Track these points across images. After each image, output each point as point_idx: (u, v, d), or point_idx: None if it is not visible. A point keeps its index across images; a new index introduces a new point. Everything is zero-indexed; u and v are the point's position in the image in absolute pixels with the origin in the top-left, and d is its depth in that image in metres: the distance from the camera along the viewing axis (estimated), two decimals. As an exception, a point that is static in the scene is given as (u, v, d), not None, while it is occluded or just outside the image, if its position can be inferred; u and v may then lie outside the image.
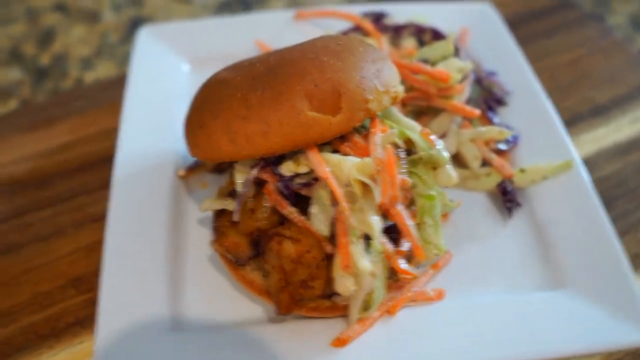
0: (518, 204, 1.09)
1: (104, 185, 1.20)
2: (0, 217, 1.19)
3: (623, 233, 1.10)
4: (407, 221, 0.86)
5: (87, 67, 1.55)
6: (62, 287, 1.08)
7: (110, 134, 1.30)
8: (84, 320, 1.03)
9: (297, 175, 0.89)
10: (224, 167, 1.14)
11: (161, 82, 1.32)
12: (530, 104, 1.22)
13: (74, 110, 1.39)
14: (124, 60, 1.56)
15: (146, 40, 1.38)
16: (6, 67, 1.55)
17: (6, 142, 1.33)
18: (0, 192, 1.23)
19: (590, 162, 1.21)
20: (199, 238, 1.08)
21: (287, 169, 0.88)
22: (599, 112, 1.34)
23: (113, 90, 1.42)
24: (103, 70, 1.55)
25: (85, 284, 1.08)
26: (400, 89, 0.94)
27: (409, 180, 0.87)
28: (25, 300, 1.06)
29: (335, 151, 0.90)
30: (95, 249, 1.11)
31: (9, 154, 1.31)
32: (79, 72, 1.54)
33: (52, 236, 1.15)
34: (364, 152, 0.88)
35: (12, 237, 1.16)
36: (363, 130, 0.92)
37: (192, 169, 1.15)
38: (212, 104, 0.89)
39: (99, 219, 1.15)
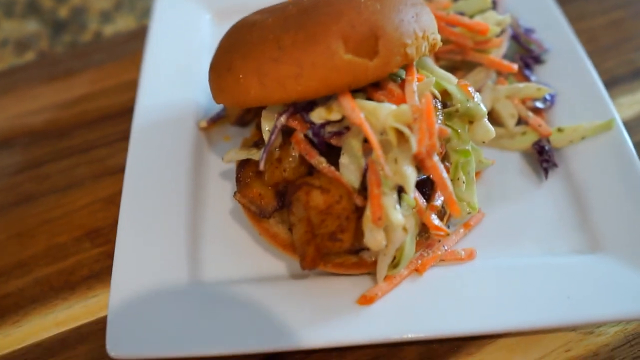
0: (555, 165, 1.05)
1: (123, 137, 1.18)
2: (17, 167, 1.18)
3: (664, 198, 1.05)
4: (443, 173, 0.82)
5: (106, 20, 1.52)
6: (77, 239, 1.07)
7: (130, 86, 1.28)
8: (99, 273, 1.02)
9: (328, 123, 0.85)
10: (248, 120, 1.11)
11: (183, 33, 1.29)
12: (568, 63, 1.18)
13: (93, 63, 1.37)
14: (144, 14, 1.53)
15: (168, -10, 1.34)
16: (23, 19, 1.53)
17: (23, 92, 1.32)
18: (17, 143, 1.22)
19: (630, 125, 1.16)
20: (221, 191, 1.06)
21: (318, 115, 0.84)
22: (639, 75, 1.29)
23: (132, 43, 1.40)
24: (122, 23, 1.52)
25: (102, 237, 1.07)
26: (438, 37, 0.90)
27: (448, 130, 0.83)
28: (40, 252, 1.05)
29: (369, 99, 0.85)
30: (112, 201, 1.10)
31: (26, 104, 1.29)
32: (98, 26, 1.51)
33: (69, 188, 1.14)
34: (399, 101, 0.84)
35: (28, 187, 1.15)
36: (398, 79, 0.88)
37: (215, 121, 1.13)
38: (242, 45, 0.86)
39: (118, 172, 1.13)
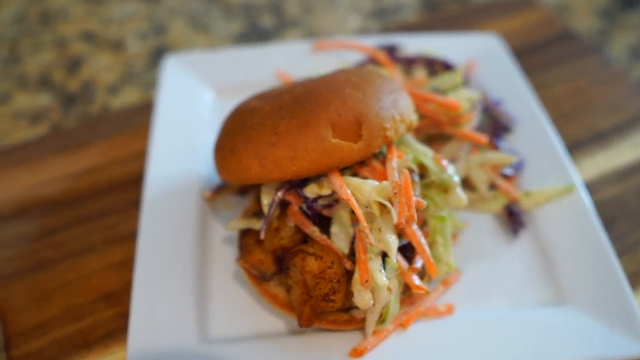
0: (523, 225, 1.16)
1: (132, 205, 1.27)
2: (34, 235, 1.25)
3: (622, 253, 1.16)
4: (421, 239, 0.93)
5: (113, 93, 1.63)
6: (93, 301, 1.13)
7: (136, 157, 1.37)
8: (114, 332, 1.08)
9: (320, 197, 0.96)
10: (247, 190, 1.21)
11: (187, 108, 1.39)
12: (534, 131, 1.29)
13: (102, 135, 1.46)
14: (148, 87, 1.64)
15: (173, 69, 1.45)
16: (36, 93, 1.63)
17: (38, 164, 1.39)
18: (33, 212, 1.29)
19: (591, 186, 1.28)
20: (224, 256, 1.15)
21: (311, 191, 0.96)
22: (600, 139, 1.41)
23: (139, 116, 1.49)
24: (128, 96, 1.62)
25: (115, 298, 1.13)
26: (414, 118, 1.02)
27: (424, 202, 0.94)
28: (58, 314, 1.11)
29: (355, 175, 0.97)
30: (124, 265, 1.17)
31: (40, 175, 1.37)
32: (105, 98, 1.62)
33: (84, 253, 1.21)
34: (381, 176, 0.95)
35: (45, 253, 1.21)
36: (381, 156, 1.00)
37: (217, 191, 1.21)
38: (243, 130, 0.97)
39: (128, 238, 1.21)
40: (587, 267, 1.08)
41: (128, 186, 1.33)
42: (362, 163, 0.98)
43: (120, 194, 1.33)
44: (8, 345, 1.07)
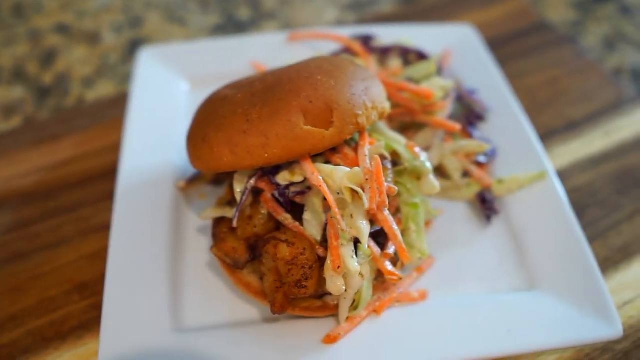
0: (496, 212, 1.17)
1: (106, 197, 1.27)
2: (8, 227, 1.24)
3: (593, 239, 1.18)
4: (393, 225, 0.93)
5: (88, 86, 1.62)
6: (66, 292, 1.13)
7: (111, 149, 1.37)
8: (87, 323, 1.08)
9: (292, 184, 0.96)
10: (221, 180, 1.21)
11: (161, 100, 1.39)
12: (507, 120, 1.31)
13: (77, 127, 1.46)
14: (124, 80, 1.63)
15: (147, 60, 1.45)
16: (9, 86, 1.62)
17: (12, 157, 1.39)
18: (7, 204, 1.29)
19: (564, 173, 1.30)
20: (198, 245, 1.15)
21: (283, 178, 0.96)
22: (572, 127, 1.43)
23: (113, 109, 1.49)
24: (103, 89, 1.61)
25: (89, 289, 1.13)
26: (387, 105, 1.02)
27: (396, 188, 0.95)
28: (31, 305, 1.11)
29: (327, 162, 0.98)
30: (98, 256, 1.17)
31: (14, 168, 1.37)
32: (80, 91, 1.61)
33: (57, 245, 1.21)
34: (353, 163, 0.96)
35: (19, 245, 1.21)
36: (353, 143, 1.00)
37: (191, 181, 1.22)
38: (215, 119, 0.97)
39: (102, 229, 1.22)
40: (559, 252, 1.09)
41: (102, 178, 1.33)
42: (334, 150, 0.99)
43: (94, 186, 1.32)
44: (-20, 337, 1.06)
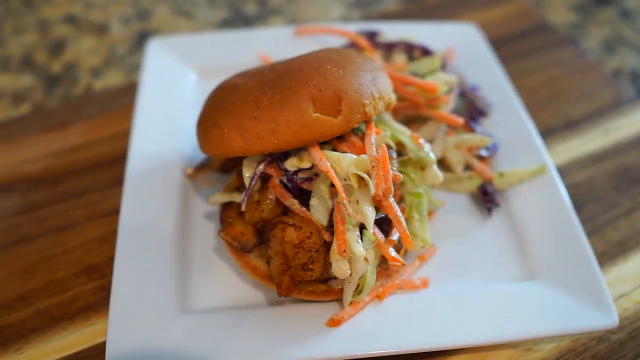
0: (497, 204, 1.20)
1: (114, 183, 1.29)
2: (16, 210, 1.26)
3: (591, 233, 1.20)
4: (398, 212, 0.96)
5: (96, 75, 1.64)
6: (74, 274, 1.15)
7: (119, 137, 1.39)
8: (95, 304, 1.10)
9: (300, 170, 0.99)
10: (228, 168, 1.23)
11: (170, 90, 1.41)
12: (509, 116, 1.33)
13: (85, 115, 1.48)
14: (132, 70, 1.65)
15: (156, 51, 1.47)
16: (19, 74, 1.64)
17: (21, 142, 1.41)
18: (15, 188, 1.31)
19: (563, 170, 1.32)
20: (205, 230, 1.17)
21: (292, 164, 0.99)
22: (572, 126, 1.46)
23: (121, 97, 1.51)
24: (111, 79, 1.63)
25: (96, 272, 1.15)
26: (393, 97, 1.05)
27: (401, 176, 0.97)
28: (39, 286, 1.13)
29: (335, 149, 1.00)
30: (106, 240, 1.20)
31: (23, 153, 1.38)
32: (88, 80, 1.62)
33: (66, 229, 1.23)
34: (360, 151, 0.98)
35: (27, 228, 1.23)
36: (359, 132, 1.03)
37: (199, 169, 1.24)
38: (226, 105, 0.99)
39: (110, 214, 1.24)
40: (557, 243, 1.11)
41: (110, 165, 1.35)
42: (341, 138, 1.01)
43: (102, 172, 1.34)
44: (-10, 316, 1.08)
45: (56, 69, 1.65)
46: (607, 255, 1.19)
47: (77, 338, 1.06)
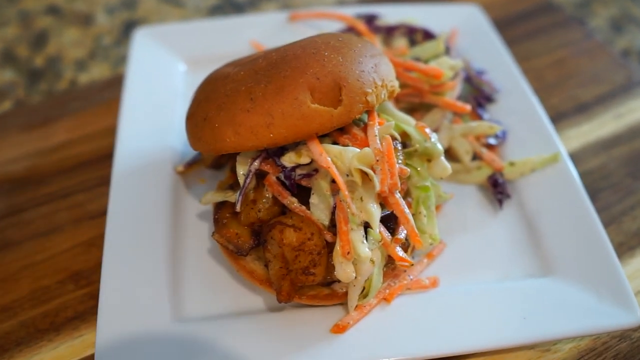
0: (508, 196, 1.13)
1: (102, 182, 1.23)
2: (-2, 214, 1.20)
3: (607, 223, 1.14)
4: (405, 209, 0.89)
5: (81, 68, 1.57)
6: (61, 282, 1.09)
7: (106, 133, 1.33)
8: (83, 314, 1.04)
9: (298, 166, 0.92)
10: (222, 163, 1.17)
11: (158, 82, 1.34)
12: (517, 101, 1.27)
13: (70, 111, 1.41)
14: (118, 62, 1.58)
15: (143, 41, 1.40)
16: (0, 69, 1.56)
17: (2, 141, 1.35)
18: (-2, 190, 1.24)
19: (575, 157, 1.26)
20: (198, 232, 1.11)
21: (289, 160, 0.91)
22: (583, 109, 1.39)
23: (108, 91, 1.45)
24: (97, 71, 1.56)
25: (84, 278, 1.09)
26: (396, 84, 0.98)
27: (407, 170, 0.90)
28: (24, 296, 1.07)
29: (335, 143, 0.93)
30: (93, 244, 1.13)
31: (6, 152, 1.32)
32: (73, 74, 1.55)
33: (51, 233, 1.17)
34: (362, 144, 0.91)
35: (10, 233, 1.17)
36: (361, 123, 0.96)
37: (191, 165, 1.18)
38: (216, 97, 0.92)
39: (97, 216, 1.17)
40: (574, 236, 1.05)
41: (97, 163, 1.29)
42: (342, 130, 0.94)
43: (89, 171, 1.28)
44: (-29, 329, 1.03)
45: (39, 63, 1.58)
46: (625, 247, 1.13)
47: (65, 350, 1.00)
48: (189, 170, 1.18)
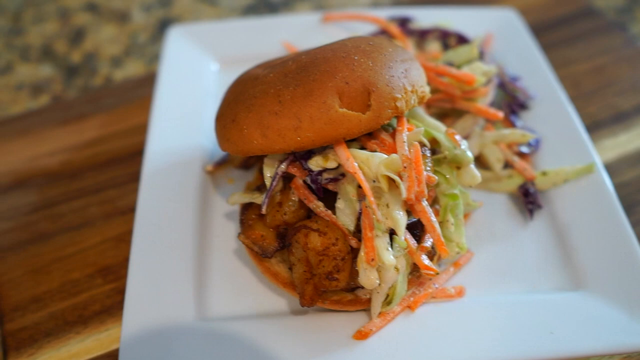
0: (539, 206, 1.11)
1: (132, 179, 1.24)
2: (32, 207, 1.22)
3: (643, 238, 1.10)
4: (432, 217, 0.88)
5: (116, 65, 1.59)
6: (90, 275, 1.10)
7: (139, 130, 1.34)
8: (110, 308, 1.06)
9: (325, 170, 0.91)
10: (250, 163, 1.17)
11: (190, 80, 1.35)
12: (552, 109, 1.24)
13: (105, 107, 1.43)
14: (153, 60, 1.60)
15: (176, 39, 1.41)
16: (38, 64, 1.60)
17: (39, 135, 1.37)
18: (32, 184, 1.27)
19: (611, 168, 1.22)
20: (225, 231, 1.11)
21: (316, 163, 0.91)
22: (621, 119, 1.35)
23: (142, 88, 1.46)
24: (132, 68, 1.58)
25: (112, 273, 1.10)
26: (427, 89, 0.97)
27: (435, 177, 0.89)
28: (54, 288, 1.09)
29: (363, 148, 0.92)
30: (122, 240, 1.15)
31: (41, 146, 1.35)
32: (108, 70, 1.58)
33: (82, 227, 1.18)
34: (390, 150, 0.90)
35: (43, 226, 1.19)
36: (390, 129, 0.95)
37: (219, 165, 1.18)
38: (245, 99, 0.92)
39: (127, 212, 1.19)
40: (606, 250, 1.02)
41: (129, 159, 1.30)
42: (370, 135, 0.93)
43: (121, 167, 1.30)
44: (2, 318, 1.05)
45: (76, 59, 1.61)
46: (660, 263, 1.09)
47: (92, 343, 1.02)
48: (218, 169, 1.18)
